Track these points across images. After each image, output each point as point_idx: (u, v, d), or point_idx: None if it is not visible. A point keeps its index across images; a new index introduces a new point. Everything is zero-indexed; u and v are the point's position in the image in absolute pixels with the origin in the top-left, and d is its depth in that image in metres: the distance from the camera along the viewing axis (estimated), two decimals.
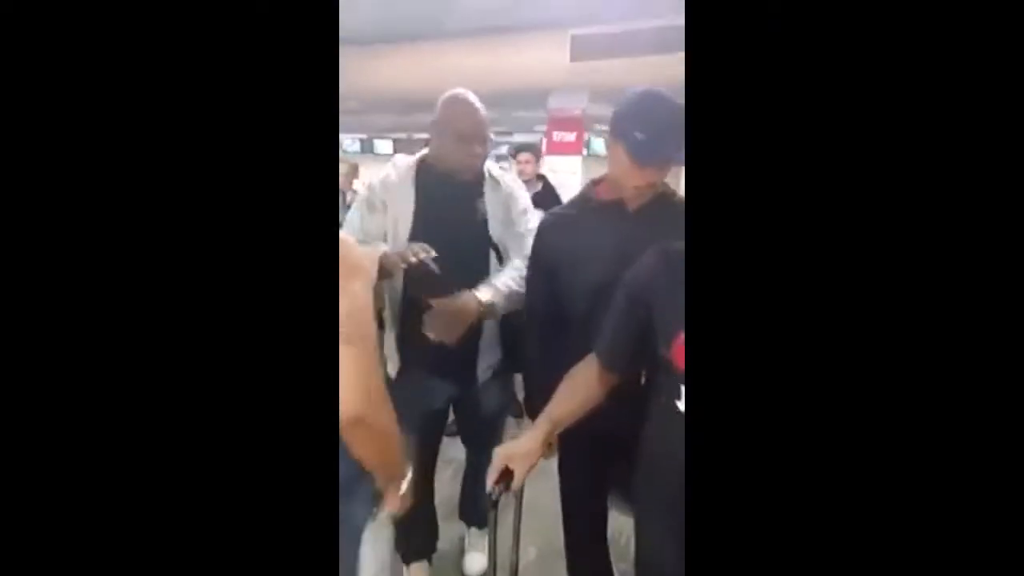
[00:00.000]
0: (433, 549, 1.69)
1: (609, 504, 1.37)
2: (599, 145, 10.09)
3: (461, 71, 4.23)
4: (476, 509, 1.80)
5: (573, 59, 3.70)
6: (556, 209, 1.35)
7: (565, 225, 1.26)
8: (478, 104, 1.36)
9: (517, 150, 3.30)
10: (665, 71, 3.67)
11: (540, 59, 3.89)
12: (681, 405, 0.82)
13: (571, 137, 5.91)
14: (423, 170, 1.42)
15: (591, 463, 1.33)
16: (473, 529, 1.84)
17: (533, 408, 1.31)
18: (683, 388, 0.81)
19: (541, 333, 1.32)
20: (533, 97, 4.95)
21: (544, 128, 5.64)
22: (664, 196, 1.18)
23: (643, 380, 0.94)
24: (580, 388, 0.96)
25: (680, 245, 0.86)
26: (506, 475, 0.91)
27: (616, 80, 3.98)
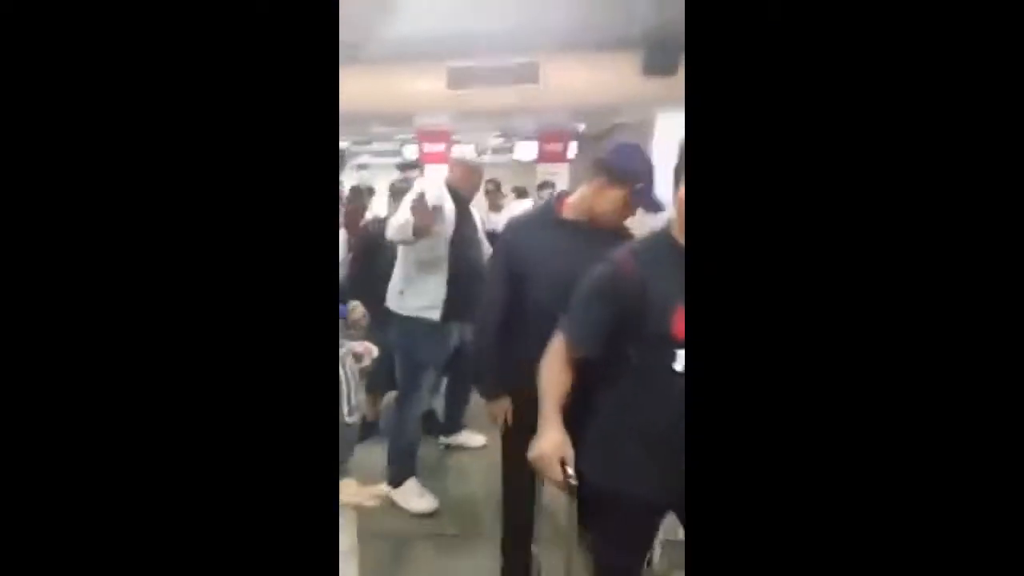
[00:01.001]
0: (415, 469, 2.24)
1: None
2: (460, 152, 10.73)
3: (351, 94, 4.52)
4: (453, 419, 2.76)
5: (450, 87, 4.37)
6: (521, 218, 1.73)
7: (533, 233, 1.55)
8: (477, 162, 2.30)
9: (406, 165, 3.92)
10: (525, 96, 4.46)
11: (420, 86, 4.50)
12: (677, 366, 0.99)
13: (440, 148, 6.56)
14: (450, 188, 2.20)
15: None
16: (441, 436, 2.77)
17: (485, 386, 1.68)
18: (677, 351, 0.99)
19: (498, 320, 1.56)
20: (400, 116, 5.46)
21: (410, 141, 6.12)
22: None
23: (632, 359, 1.07)
24: (559, 371, 1.13)
25: (643, 243, 1.11)
26: (563, 465, 1.05)
27: (487, 105, 4.67)
